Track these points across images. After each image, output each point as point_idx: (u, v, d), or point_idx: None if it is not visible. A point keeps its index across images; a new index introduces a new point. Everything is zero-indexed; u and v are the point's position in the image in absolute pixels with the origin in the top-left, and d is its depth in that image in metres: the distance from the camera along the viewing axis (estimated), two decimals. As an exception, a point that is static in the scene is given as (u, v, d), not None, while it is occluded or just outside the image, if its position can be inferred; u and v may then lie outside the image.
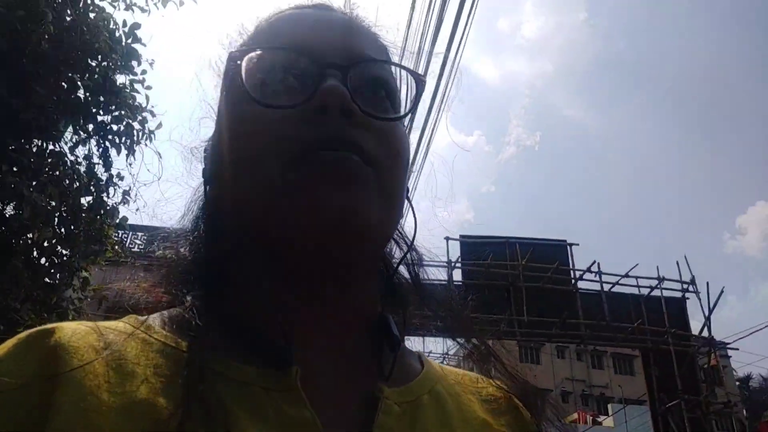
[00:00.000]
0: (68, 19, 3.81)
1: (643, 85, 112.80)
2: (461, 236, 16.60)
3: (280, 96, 0.54)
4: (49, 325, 0.50)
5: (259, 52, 0.57)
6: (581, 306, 15.13)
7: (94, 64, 4.00)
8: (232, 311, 0.55)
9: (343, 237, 0.51)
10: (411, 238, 0.69)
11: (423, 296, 0.70)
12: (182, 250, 0.66)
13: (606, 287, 15.68)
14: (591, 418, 25.13)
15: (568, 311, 14.70)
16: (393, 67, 0.64)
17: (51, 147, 3.68)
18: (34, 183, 3.17)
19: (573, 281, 15.95)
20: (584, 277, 15.91)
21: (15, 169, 3.32)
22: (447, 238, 16.43)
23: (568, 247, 16.52)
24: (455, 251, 16.09)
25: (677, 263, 16.34)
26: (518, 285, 15.21)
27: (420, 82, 0.61)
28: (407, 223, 0.69)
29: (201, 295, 0.57)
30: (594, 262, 15.73)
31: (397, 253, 0.70)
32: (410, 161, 0.63)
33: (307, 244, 0.52)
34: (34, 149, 3.38)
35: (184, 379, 0.46)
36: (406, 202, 0.63)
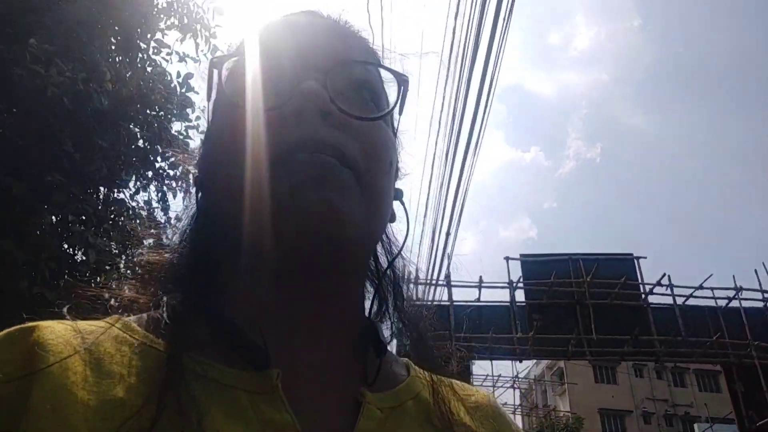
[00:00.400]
0: (127, 75, 4.10)
1: (706, 87, 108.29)
2: (521, 255, 16.29)
3: (262, 98, 0.54)
4: (28, 324, 0.50)
5: (238, 58, 0.58)
6: (654, 321, 14.44)
7: (151, 115, 4.29)
8: (213, 312, 0.55)
9: (322, 238, 0.51)
10: (401, 244, 0.70)
11: (396, 308, 0.69)
12: (167, 255, 0.66)
13: (679, 300, 14.93)
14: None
15: (639, 327, 14.07)
16: (381, 70, 0.64)
17: (115, 195, 3.95)
18: (100, 229, 3.40)
19: (643, 296, 15.28)
20: (655, 291, 15.20)
21: (82, 217, 3.58)
22: (507, 258, 16.20)
23: (635, 260, 15.86)
24: (517, 271, 15.80)
25: (756, 272, 15.40)
26: (585, 302, 14.70)
27: (403, 81, 0.61)
28: (407, 236, 0.70)
29: (182, 296, 0.56)
30: (664, 274, 15.03)
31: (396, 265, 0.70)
32: (396, 163, 0.64)
33: (286, 246, 0.52)
34: (100, 197, 3.64)
35: (160, 378, 0.46)
36: (396, 206, 0.65)
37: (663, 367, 32.86)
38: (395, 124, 0.68)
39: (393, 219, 0.66)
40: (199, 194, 0.65)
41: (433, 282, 15.71)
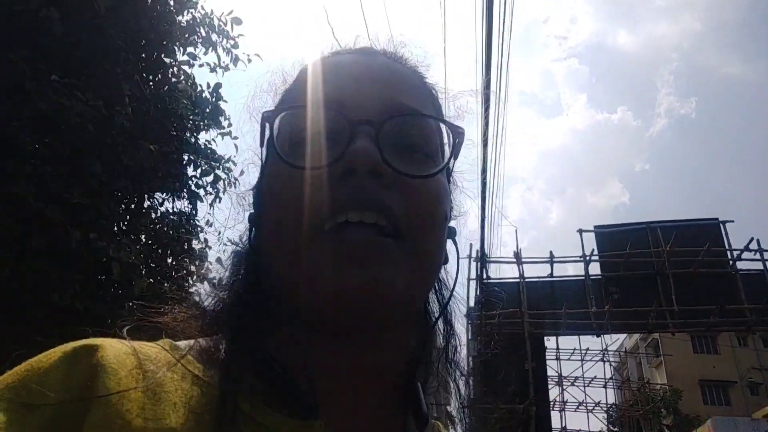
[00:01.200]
0: (147, 93, 4.41)
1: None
2: (595, 227, 15.73)
3: (312, 156, 0.54)
4: (92, 341, 0.51)
5: (290, 111, 0.58)
6: (743, 288, 13.52)
7: (175, 127, 4.59)
8: (262, 355, 0.55)
9: (363, 311, 0.51)
10: (450, 289, 0.70)
11: (447, 360, 0.70)
12: (220, 290, 0.66)
13: (772, 266, 13.89)
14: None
15: (727, 296, 13.24)
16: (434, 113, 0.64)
17: (144, 207, 4.30)
18: (125, 243, 3.73)
19: (730, 262, 14.33)
20: (743, 256, 14.21)
21: (114, 229, 3.94)
22: (580, 231, 15.67)
23: (721, 225, 14.86)
24: (592, 243, 15.28)
25: None
26: (665, 272, 14.00)
27: (457, 133, 0.60)
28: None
29: (234, 334, 0.57)
30: (752, 239, 14.00)
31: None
32: (450, 210, 0.64)
33: (327, 314, 0.53)
34: (127, 211, 3.99)
35: (217, 417, 0.48)
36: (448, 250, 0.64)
37: (771, 335, 30.67)
38: (450, 167, 0.68)
39: (446, 261, 0.65)
40: (253, 231, 0.65)
41: (503, 260, 15.54)
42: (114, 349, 0.50)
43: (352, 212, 0.51)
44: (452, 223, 0.66)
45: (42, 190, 3.52)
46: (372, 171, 0.52)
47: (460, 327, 0.72)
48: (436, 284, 0.68)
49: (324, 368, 0.55)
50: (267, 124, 0.59)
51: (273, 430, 0.50)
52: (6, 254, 3.32)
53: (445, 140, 0.62)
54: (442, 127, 0.62)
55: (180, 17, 5.09)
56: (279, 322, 0.59)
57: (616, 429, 27.66)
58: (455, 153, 0.61)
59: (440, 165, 0.59)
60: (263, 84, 0.72)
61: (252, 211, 0.66)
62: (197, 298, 0.70)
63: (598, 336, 15.14)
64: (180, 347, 0.55)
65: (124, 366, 0.49)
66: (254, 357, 0.55)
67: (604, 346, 24.86)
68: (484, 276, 14.71)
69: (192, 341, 0.57)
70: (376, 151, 0.52)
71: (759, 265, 13.95)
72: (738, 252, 14.17)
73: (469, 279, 14.36)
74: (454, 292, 0.69)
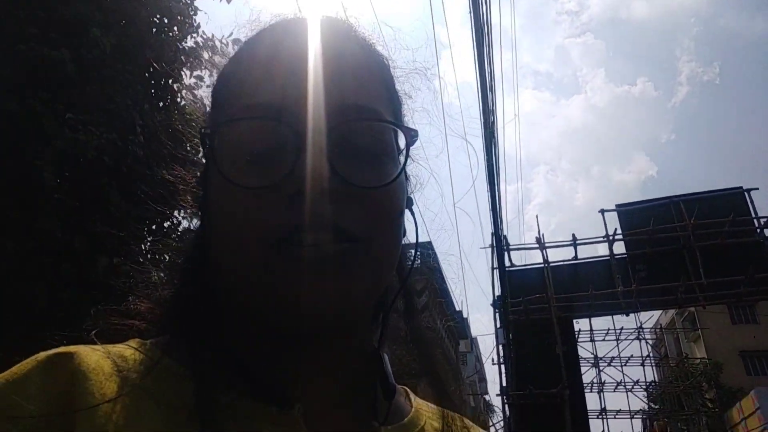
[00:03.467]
0: (157, 120, 4.64)
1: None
2: (617, 205, 15.61)
3: (259, 174, 0.52)
4: (65, 349, 0.50)
5: (228, 126, 0.55)
6: (773, 256, 13.32)
7: (187, 150, 4.80)
8: (234, 348, 0.57)
9: (328, 321, 0.53)
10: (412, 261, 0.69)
11: (413, 338, 0.71)
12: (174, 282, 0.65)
13: (801, 230, 13.64)
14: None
15: (756, 265, 13.05)
16: (389, 104, 0.62)
17: (167, 224, 4.55)
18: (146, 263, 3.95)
19: (758, 230, 14.11)
20: (771, 223, 13.97)
21: (140, 253, 4.18)
22: (602, 211, 15.57)
23: (746, 194, 14.62)
24: (615, 222, 15.20)
25: None
26: (691, 246, 13.86)
27: (410, 136, 0.59)
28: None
29: (200, 328, 0.57)
30: (778, 205, 13.75)
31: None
32: (404, 204, 0.61)
33: (291, 327, 0.54)
34: (149, 235, 4.24)
35: (198, 410, 0.49)
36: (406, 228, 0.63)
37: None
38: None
39: (404, 234, 0.63)
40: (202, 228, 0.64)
41: (525, 246, 15.55)
42: (89, 354, 0.51)
43: (306, 234, 0.51)
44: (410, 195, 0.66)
45: (67, 222, 3.77)
46: (323, 190, 0.50)
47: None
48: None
49: (292, 361, 0.57)
50: (206, 140, 0.57)
51: (253, 419, 0.52)
52: (42, 287, 3.58)
53: (400, 135, 0.60)
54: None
55: (184, 43, 5.32)
56: (240, 322, 0.59)
57: (657, 406, 27.38)
58: (406, 158, 0.59)
59: (396, 169, 0.58)
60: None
61: (200, 201, 0.65)
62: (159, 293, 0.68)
63: (627, 315, 15.07)
64: (149, 345, 0.56)
65: (102, 370, 0.50)
66: (223, 348, 0.56)
67: (639, 324, 24.67)
68: (507, 264, 14.73)
69: (161, 338, 0.58)
70: (326, 168, 0.51)
71: (788, 231, 13.70)
72: (765, 219, 13.93)
73: (492, 268, 14.42)
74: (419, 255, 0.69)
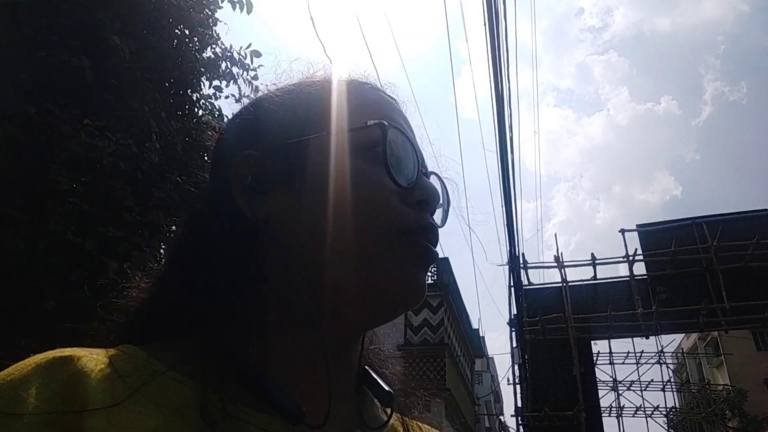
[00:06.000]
0: (174, 128, 4.68)
1: None
2: (638, 225, 15.40)
3: (401, 175, 0.61)
4: (64, 351, 0.51)
5: (397, 128, 0.64)
6: (800, 281, 12.97)
7: (202, 159, 4.85)
8: (241, 359, 0.56)
9: (405, 309, 0.61)
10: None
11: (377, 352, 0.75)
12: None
13: (830, 255, 13.26)
14: None
15: (782, 289, 12.72)
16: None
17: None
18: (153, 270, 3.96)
19: (784, 254, 13.75)
20: (796, 247, 13.61)
21: (148, 259, 4.20)
22: (623, 231, 15.35)
23: (771, 215, 14.33)
24: (636, 243, 14.96)
25: None
26: (714, 269, 13.57)
27: (446, 190, 0.72)
28: None
29: (210, 330, 0.58)
30: (804, 228, 13.44)
31: None
32: None
33: (373, 308, 0.60)
34: (160, 242, 4.26)
35: (202, 418, 0.49)
36: None
37: (841, 328, 29.07)
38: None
39: None
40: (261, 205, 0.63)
41: (543, 264, 15.36)
42: (87, 357, 0.51)
43: (432, 234, 0.62)
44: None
45: (80, 226, 3.80)
46: (434, 209, 0.64)
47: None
48: None
49: (300, 364, 0.59)
50: (379, 131, 0.61)
51: (259, 429, 0.52)
52: (53, 288, 3.60)
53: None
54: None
55: (203, 54, 5.38)
56: (268, 325, 0.59)
57: (677, 433, 26.67)
58: (447, 211, 0.72)
59: (444, 219, 0.71)
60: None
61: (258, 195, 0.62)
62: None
63: (647, 338, 14.72)
64: (148, 350, 0.55)
65: (102, 373, 0.50)
66: (231, 361, 0.56)
67: (660, 348, 24.16)
68: (524, 282, 14.55)
69: (161, 344, 0.58)
70: (439, 193, 0.65)
71: (815, 256, 13.35)
72: (791, 243, 13.60)
73: (509, 287, 14.26)
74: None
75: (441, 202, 0.69)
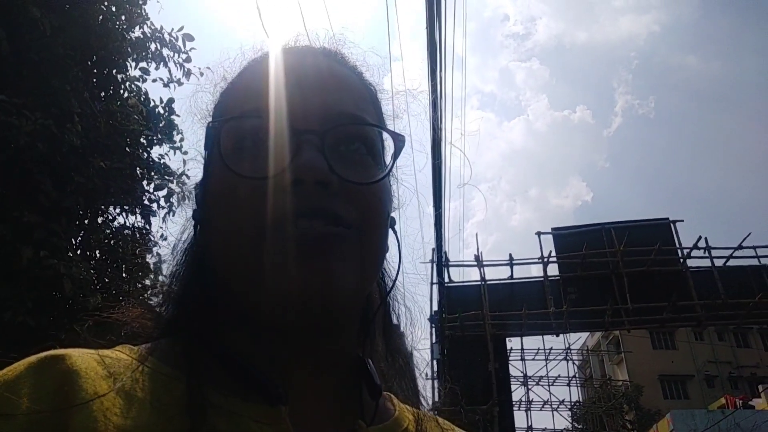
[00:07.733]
0: (97, 110, 4.45)
1: None
2: (553, 229, 16.16)
3: (260, 165, 0.56)
4: (56, 351, 0.51)
5: (237, 120, 0.60)
6: (694, 286, 14.08)
7: (127, 143, 4.65)
8: (222, 347, 0.58)
9: (316, 308, 0.53)
10: (393, 281, 0.73)
11: (388, 347, 0.74)
12: (172, 283, 0.67)
13: (720, 263, 14.50)
14: (741, 401, 23.03)
15: (678, 293, 13.76)
16: (375, 117, 0.67)
17: (100, 219, 4.35)
18: (77, 259, 3.77)
19: (681, 260, 14.90)
20: (693, 254, 14.79)
21: (66, 247, 3.98)
22: (539, 233, 16.06)
23: (672, 225, 15.44)
24: (550, 245, 15.69)
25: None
26: (619, 272, 14.48)
27: (398, 140, 0.63)
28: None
29: (192, 329, 0.59)
30: (700, 237, 14.59)
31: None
32: (390, 210, 0.66)
33: (281, 314, 0.54)
34: (80, 229, 4.05)
35: (188, 410, 0.50)
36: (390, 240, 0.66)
37: (726, 329, 31.80)
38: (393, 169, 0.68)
39: (387, 249, 0.67)
40: (198, 228, 0.66)
41: (464, 263, 15.81)
42: (80, 356, 0.52)
43: (302, 220, 0.54)
44: (393, 214, 0.69)
45: (-9, 209, 3.54)
46: (319, 181, 0.54)
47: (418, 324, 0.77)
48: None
49: (279, 356, 0.58)
50: (213, 130, 0.61)
51: (242, 417, 0.52)
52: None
53: (387, 142, 0.66)
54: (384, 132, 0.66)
55: (131, 33, 5.14)
56: (231, 319, 0.60)
57: (580, 426, 28.26)
58: (394, 161, 0.64)
59: (384, 171, 0.63)
60: (204, 81, 0.73)
61: (195, 208, 0.67)
62: (152, 300, 0.71)
63: (557, 336, 15.54)
64: (139, 350, 0.57)
65: (95, 371, 0.51)
66: (214, 351, 0.57)
67: (567, 345, 25.50)
68: (445, 279, 14.93)
69: (150, 343, 0.59)
70: (323, 162, 0.55)
71: (708, 263, 14.53)
72: (687, 250, 14.74)
73: (431, 283, 14.57)
74: (398, 282, 0.73)
75: (361, 151, 0.61)
